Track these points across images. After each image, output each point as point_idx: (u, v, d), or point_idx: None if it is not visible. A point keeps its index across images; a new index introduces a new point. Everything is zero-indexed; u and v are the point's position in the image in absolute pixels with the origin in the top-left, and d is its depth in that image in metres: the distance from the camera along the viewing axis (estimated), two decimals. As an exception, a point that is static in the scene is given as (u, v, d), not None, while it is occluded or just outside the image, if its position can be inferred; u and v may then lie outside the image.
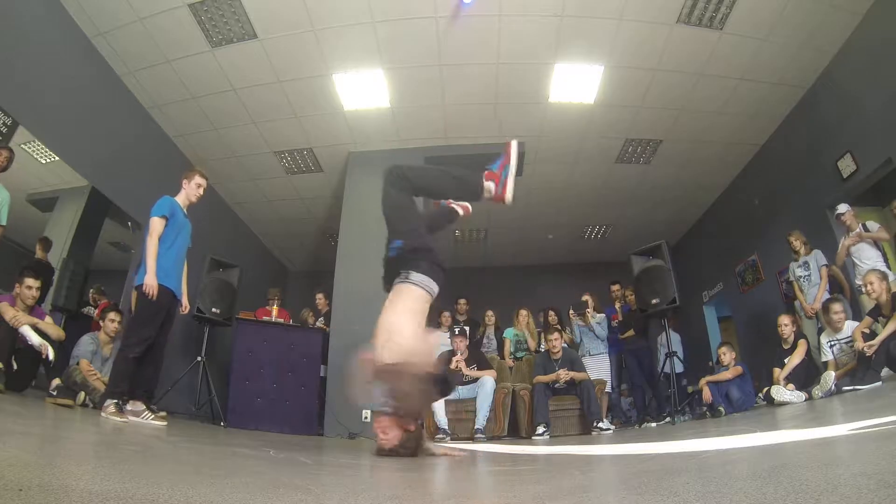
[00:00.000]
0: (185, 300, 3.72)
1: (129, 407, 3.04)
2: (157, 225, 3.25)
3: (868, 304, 4.23)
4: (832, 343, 4.16)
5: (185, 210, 3.53)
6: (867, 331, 3.84)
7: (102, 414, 2.88)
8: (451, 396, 4.77)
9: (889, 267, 4.28)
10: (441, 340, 5.72)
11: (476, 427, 4.50)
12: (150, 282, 3.15)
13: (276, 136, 6.00)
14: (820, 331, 4.51)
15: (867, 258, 4.31)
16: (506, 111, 5.67)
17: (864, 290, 4.25)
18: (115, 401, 2.94)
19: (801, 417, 2.87)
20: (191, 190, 3.56)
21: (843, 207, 4.51)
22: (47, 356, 3.22)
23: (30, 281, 3.37)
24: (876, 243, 4.35)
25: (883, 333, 3.65)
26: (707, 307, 7.98)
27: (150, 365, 3.28)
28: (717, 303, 7.85)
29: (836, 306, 4.12)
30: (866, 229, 4.38)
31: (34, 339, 3.20)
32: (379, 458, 1.95)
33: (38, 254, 4.01)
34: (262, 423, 4.57)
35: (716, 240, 7.55)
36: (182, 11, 4.37)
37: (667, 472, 1.23)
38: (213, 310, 4.99)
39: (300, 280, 9.36)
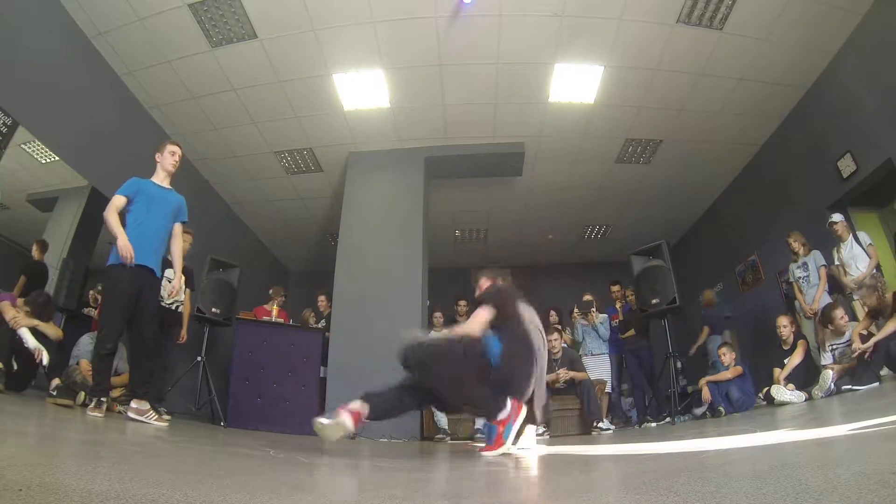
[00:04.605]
0: (177, 282, 3.40)
1: (133, 405, 2.98)
2: (114, 200, 3.08)
3: (860, 309, 4.23)
4: (834, 347, 4.15)
5: (165, 184, 3.33)
6: (865, 332, 3.83)
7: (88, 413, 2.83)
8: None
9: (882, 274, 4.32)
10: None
11: (476, 427, 4.50)
12: (122, 243, 2.95)
13: (276, 136, 6.00)
14: (817, 335, 4.51)
15: (861, 265, 4.31)
16: (506, 111, 5.67)
17: (855, 296, 4.28)
18: (96, 398, 2.84)
19: (801, 417, 2.87)
20: (165, 161, 3.33)
21: (837, 217, 4.51)
22: (41, 361, 3.20)
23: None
24: (866, 251, 4.36)
25: (880, 334, 3.64)
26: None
27: (145, 362, 3.11)
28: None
29: (839, 312, 4.10)
30: (857, 240, 4.39)
31: (30, 342, 3.19)
32: (378, 458, 1.95)
33: (36, 255, 4.01)
34: (262, 423, 4.57)
35: (716, 240, 7.55)
36: (182, 11, 4.37)
37: (667, 472, 1.23)
38: (213, 310, 4.99)
39: (300, 280, 9.37)
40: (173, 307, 4.41)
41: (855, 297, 4.31)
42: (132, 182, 3.19)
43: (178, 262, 3.39)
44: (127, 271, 2.98)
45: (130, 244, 2.99)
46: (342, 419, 2.00)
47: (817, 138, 5.16)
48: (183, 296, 4.47)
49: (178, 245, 3.38)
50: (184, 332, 4.50)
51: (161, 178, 3.34)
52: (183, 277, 3.56)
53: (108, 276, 3.03)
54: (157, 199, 3.23)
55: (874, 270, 4.25)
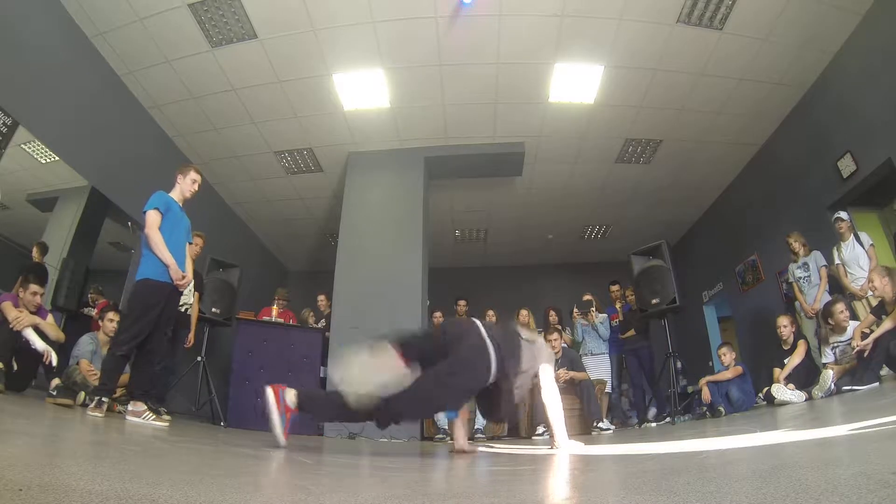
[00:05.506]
0: (188, 275, 3.49)
1: (129, 407, 3.02)
2: (154, 216, 3.15)
3: (861, 310, 4.22)
4: (835, 346, 4.15)
5: (180, 205, 3.44)
6: (867, 330, 3.83)
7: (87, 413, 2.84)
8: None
9: None
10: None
11: (476, 427, 4.50)
12: (177, 274, 3.14)
13: (276, 136, 6.00)
14: (819, 331, 4.50)
15: (863, 265, 4.30)
16: (506, 111, 5.67)
17: (860, 293, 4.25)
18: (98, 397, 2.87)
19: (801, 417, 2.87)
20: (185, 185, 3.45)
21: (844, 215, 4.50)
22: (50, 362, 3.21)
23: (35, 287, 3.37)
24: (867, 252, 4.36)
25: (878, 331, 3.63)
26: (707, 307, 7.97)
27: (147, 367, 3.18)
28: (717, 303, 7.85)
29: (839, 306, 4.10)
30: (859, 240, 4.39)
31: (38, 344, 3.19)
32: (378, 458, 1.95)
33: (35, 257, 4.02)
34: (262, 423, 4.55)
35: (716, 240, 7.55)
36: (182, 11, 4.37)
37: (667, 472, 1.23)
38: (213, 310, 4.99)
39: (300, 280, 9.37)
40: (182, 309, 4.42)
41: (869, 293, 4.25)
42: (163, 198, 3.28)
43: (189, 267, 3.53)
44: (159, 288, 3.12)
45: (159, 263, 3.14)
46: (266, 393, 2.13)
47: (817, 138, 5.16)
48: (192, 299, 4.51)
49: (189, 264, 3.56)
50: (191, 335, 4.52)
51: (178, 199, 3.45)
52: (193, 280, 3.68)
53: (140, 290, 3.12)
54: (181, 220, 3.37)
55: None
